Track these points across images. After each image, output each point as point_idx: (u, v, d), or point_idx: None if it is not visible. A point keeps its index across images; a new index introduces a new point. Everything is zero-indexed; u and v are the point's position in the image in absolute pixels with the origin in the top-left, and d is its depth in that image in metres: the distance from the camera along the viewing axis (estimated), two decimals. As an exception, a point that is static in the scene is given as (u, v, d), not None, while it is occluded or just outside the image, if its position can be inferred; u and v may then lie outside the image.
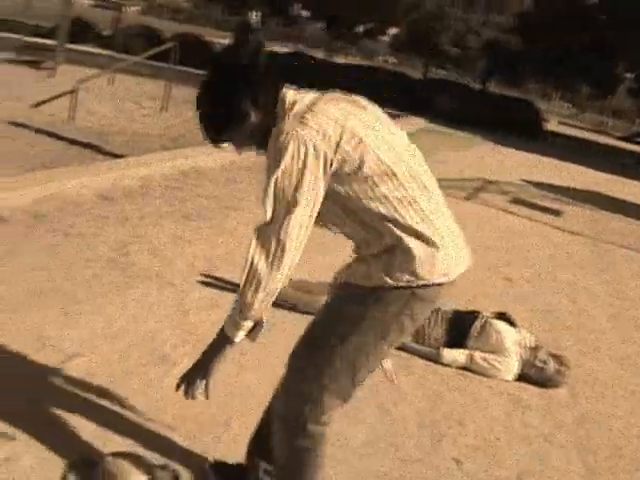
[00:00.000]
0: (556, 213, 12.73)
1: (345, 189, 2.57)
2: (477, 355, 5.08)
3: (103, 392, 3.96)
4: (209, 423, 3.85)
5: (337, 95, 2.70)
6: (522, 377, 5.12)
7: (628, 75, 36.49)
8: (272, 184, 2.50)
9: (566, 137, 34.67)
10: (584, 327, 6.65)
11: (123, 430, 3.63)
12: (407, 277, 2.60)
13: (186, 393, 2.76)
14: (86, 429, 3.58)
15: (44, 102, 12.40)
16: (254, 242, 2.55)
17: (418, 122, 23.01)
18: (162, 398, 3.92)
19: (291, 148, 2.47)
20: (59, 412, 3.69)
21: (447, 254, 2.67)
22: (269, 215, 2.51)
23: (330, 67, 31.59)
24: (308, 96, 2.66)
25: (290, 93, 2.66)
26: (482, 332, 5.16)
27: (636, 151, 36.94)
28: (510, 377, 5.08)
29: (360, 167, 2.54)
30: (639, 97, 40.23)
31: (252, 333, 2.67)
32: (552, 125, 36.27)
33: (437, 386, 4.87)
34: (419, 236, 2.60)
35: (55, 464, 3.26)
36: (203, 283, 5.74)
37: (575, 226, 11.82)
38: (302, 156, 2.47)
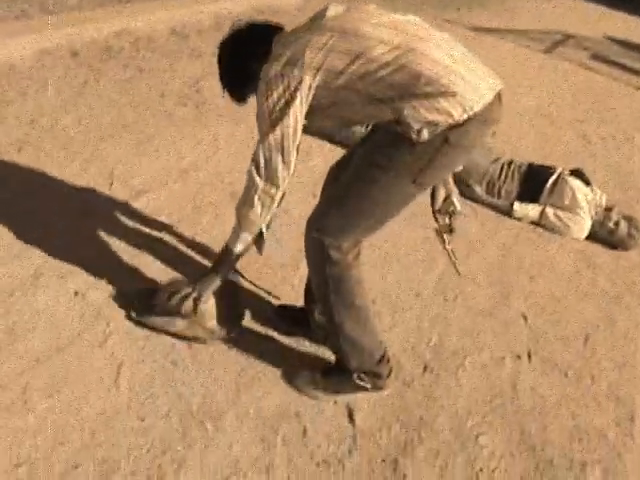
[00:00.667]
0: (638, 72, 12.28)
1: (334, 91, 2.68)
2: (549, 211, 4.99)
3: (171, 229, 3.99)
4: (278, 265, 3.87)
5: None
6: (593, 236, 5.03)
7: None
8: (258, 111, 2.72)
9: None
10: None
11: (188, 268, 3.67)
12: (428, 129, 2.61)
13: (195, 308, 3.09)
14: (153, 265, 3.62)
15: None
16: (250, 161, 2.79)
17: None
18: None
19: (265, 81, 2.69)
20: (127, 248, 3.73)
21: (464, 89, 2.61)
22: (259, 136, 2.74)
23: None
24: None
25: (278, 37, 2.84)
26: (555, 188, 5.05)
27: None
28: (581, 236, 4.99)
29: (344, 64, 2.63)
30: None
31: (258, 246, 2.96)
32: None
33: (508, 239, 4.82)
34: (427, 83, 2.59)
35: (123, 298, 3.32)
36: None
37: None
38: (273, 85, 2.67)
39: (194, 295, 3.06)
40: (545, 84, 9.39)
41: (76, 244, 3.67)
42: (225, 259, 2.99)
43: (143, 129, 5.05)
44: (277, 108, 2.67)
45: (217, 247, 3.82)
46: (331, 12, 2.78)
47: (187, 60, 6.63)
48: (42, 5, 7.15)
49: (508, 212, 5.04)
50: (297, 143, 2.74)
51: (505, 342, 3.73)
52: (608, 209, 5.11)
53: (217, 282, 3.04)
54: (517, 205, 5.02)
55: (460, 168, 2.87)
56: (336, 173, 3.05)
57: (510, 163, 5.22)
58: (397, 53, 2.60)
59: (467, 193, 5.12)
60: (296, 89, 2.65)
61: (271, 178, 2.76)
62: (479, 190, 5.10)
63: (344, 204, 2.76)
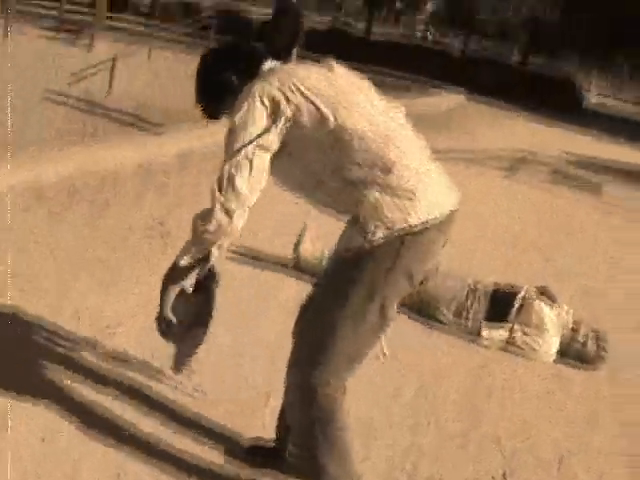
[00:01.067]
0: (597, 189, 12.56)
1: (307, 140, 2.69)
2: (517, 332, 5.02)
3: (142, 363, 3.96)
4: (250, 400, 3.84)
5: (310, 63, 2.88)
6: (562, 354, 5.06)
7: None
8: (227, 131, 2.70)
9: (606, 111, 34.26)
10: (627, 306, 6.54)
11: (160, 407, 3.63)
12: (383, 230, 2.63)
13: (160, 331, 2.97)
14: (128, 409, 3.58)
15: (82, 75, 12.40)
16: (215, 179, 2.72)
17: (458, 96, 22.84)
18: (201, 371, 3.91)
19: (244, 99, 2.68)
20: (95, 386, 3.69)
21: (427, 196, 2.69)
22: (227, 151, 2.69)
23: (369, 45, 31.46)
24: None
25: (269, 63, 2.85)
26: (523, 308, 5.09)
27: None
28: (550, 358, 5.01)
29: (318, 119, 2.67)
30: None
31: (200, 269, 2.85)
32: (592, 99, 35.84)
33: (477, 363, 4.82)
34: (387, 185, 2.64)
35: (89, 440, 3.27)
36: (244, 254, 5.72)
37: (616, 202, 11.67)
38: (252, 104, 2.66)
39: (156, 316, 2.93)
40: (507, 204, 9.59)
41: (42, 384, 3.63)
42: (171, 273, 2.85)
43: (111, 264, 5.08)
44: (254, 126, 2.65)
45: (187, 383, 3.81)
46: (339, 69, 2.85)
47: (152, 195, 6.71)
48: (2, 143, 7.25)
49: (477, 335, 5.06)
50: (265, 168, 2.70)
51: (480, 466, 3.69)
52: (576, 325, 5.15)
53: (169, 295, 2.86)
54: (485, 329, 5.04)
55: (419, 279, 2.84)
56: (305, 307, 2.98)
57: (476, 285, 5.27)
58: (377, 135, 2.66)
59: (435, 316, 5.15)
60: (278, 114, 2.65)
61: (233, 194, 2.66)
62: (447, 314, 5.13)
63: (321, 340, 2.71)
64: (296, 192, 2.89)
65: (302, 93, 2.67)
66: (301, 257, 5.58)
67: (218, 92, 2.87)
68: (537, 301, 5.12)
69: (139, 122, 9.76)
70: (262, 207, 2.91)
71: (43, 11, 24.62)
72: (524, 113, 23.50)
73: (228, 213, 2.66)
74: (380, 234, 2.62)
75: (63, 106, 10.07)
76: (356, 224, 2.67)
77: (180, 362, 3.13)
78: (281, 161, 2.74)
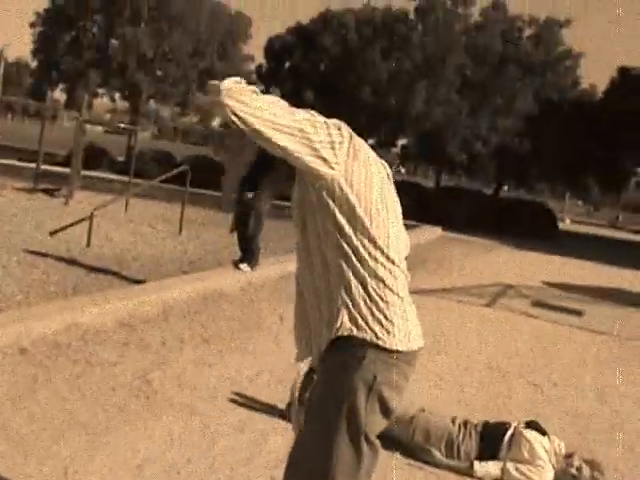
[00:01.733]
0: (578, 313, 12.63)
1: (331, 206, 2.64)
2: (510, 466, 4.97)
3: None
4: None
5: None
6: (558, 486, 5.01)
7: (638, 169, 36.78)
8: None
9: (582, 235, 34.78)
10: (617, 429, 6.51)
11: None
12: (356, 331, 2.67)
13: None
14: None
15: (61, 230, 12.52)
16: None
17: (435, 231, 23.20)
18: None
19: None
20: None
21: (402, 326, 2.72)
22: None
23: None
24: None
25: None
26: (514, 443, 5.06)
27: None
28: (547, 488, 4.97)
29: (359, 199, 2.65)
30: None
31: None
32: (566, 224, 36.44)
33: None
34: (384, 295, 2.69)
35: None
36: (229, 407, 5.68)
37: (598, 325, 11.70)
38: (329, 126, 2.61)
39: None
40: (490, 337, 9.60)
41: None
42: None
43: (96, 425, 5.02)
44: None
45: None
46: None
47: (136, 351, 6.69)
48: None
49: (469, 472, 5.00)
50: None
51: None
52: (568, 456, 5.11)
53: None
54: (477, 465, 5.00)
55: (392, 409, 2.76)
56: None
57: (466, 423, 5.25)
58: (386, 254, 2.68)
59: (426, 458, 5.09)
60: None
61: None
62: (438, 454, 5.08)
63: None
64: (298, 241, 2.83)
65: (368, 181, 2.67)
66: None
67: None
68: (527, 435, 5.09)
69: (119, 277, 9.81)
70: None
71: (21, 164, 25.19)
72: (502, 241, 23.85)
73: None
74: (353, 332, 2.66)
75: (43, 260, 10.12)
76: (330, 324, 2.69)
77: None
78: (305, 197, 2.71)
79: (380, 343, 2.66)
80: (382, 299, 2.68)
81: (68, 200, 18.05)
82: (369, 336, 2.66)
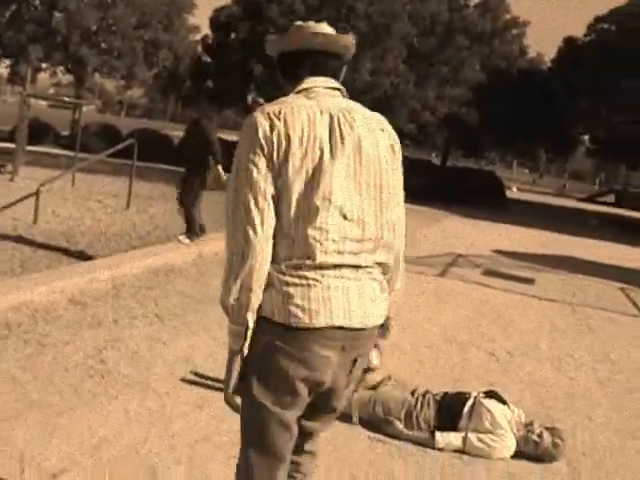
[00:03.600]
0: (530, 281, 12.72)
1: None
2: (472, 436, 4.95)
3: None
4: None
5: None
6: (518, 454, 5.01)
7: (585, 137, 37.11)
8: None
9: (529, 203, 35.08)
10: (574, 396, 6.55)
11: None
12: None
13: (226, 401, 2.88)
14: None
15: (7, 206, 12.26)
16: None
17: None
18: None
19: (243, 129, 2.73)
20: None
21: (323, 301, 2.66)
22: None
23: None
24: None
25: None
26: (474, 412, 5.05)
27: (598, 211, 37.44)
28: (507, 454, 4.96)
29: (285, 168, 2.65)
30: (596, 157, 40.96)
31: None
32: (514, 192, 36.73)
33: (433, 471, 4.73)
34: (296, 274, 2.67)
35: None
36: (186, 385, 5.58)
37: (550, 292, 11.81)
38: (245, 136, 2.70)
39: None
40: (445, 307, 9.61)
41: None
42: (229, 356, 2.80)
43: (50, 406, 4.90)
44: (243, 160, 2.68)
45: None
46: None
47: (88, 329, 6.56)
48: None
49: (429, 443, 4.97)
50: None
51: None
52: (529, 424, 5.12)
53: (233, 348, 2.77)
54: (439, 435, 4.97)
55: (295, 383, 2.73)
56: None
57: (425, 394, 5.23)
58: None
59: (387, 429, 5.06)
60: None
61: (238, 234, 2.67)
62: (398, 424, 5.05)
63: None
64: None
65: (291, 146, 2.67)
66: None
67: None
68: (487, 404, 5.08)
69: (68, 253, 9.62)
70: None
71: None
72: (451, 211, 23.95)
73: (241, 236, 2.68)
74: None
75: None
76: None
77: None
78: None
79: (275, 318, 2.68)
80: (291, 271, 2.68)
81: (13, 176, 17.68)
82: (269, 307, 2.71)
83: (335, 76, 2.94)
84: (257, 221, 2.60)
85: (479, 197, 28.45)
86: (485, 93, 31.68)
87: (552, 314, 10.18)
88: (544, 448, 4.98)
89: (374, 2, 33.75)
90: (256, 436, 2.81)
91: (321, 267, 2.65)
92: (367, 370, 3.02)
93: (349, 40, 2.94)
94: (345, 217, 2.69)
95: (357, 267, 2.73)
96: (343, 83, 2.97)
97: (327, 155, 2.68)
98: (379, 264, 2.82)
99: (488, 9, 35.92)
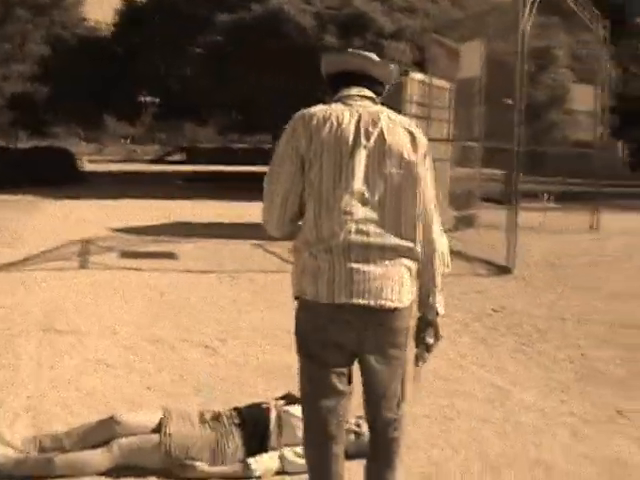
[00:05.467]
0: (172, 256, 12.09)
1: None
2: (288, 453, 4.28)
3: None
4: None
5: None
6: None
7: (149, 99, 36.91)
8: None
9: (107, 174, 34.35)
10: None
11: None
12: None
13: None
14: None
15: None
16: None
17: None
18: None
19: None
20: None
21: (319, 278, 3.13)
22: None
23: None
24: None
25: None
26: (283, 425, 4.38)
27: (181, 171, 37.90)
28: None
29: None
30: (160, 119, 41.06)
31: None
32: (85, 165, 35.60)
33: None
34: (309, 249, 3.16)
35: None
36: None
37: (200, 263, 11.36)
38: (285, 131, 3.24)
39: None
40: (117, 303, 8.65)
41: None
42: None
43: None
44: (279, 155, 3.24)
45: None
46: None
47: None
48: None
49: (246, 475, 4.22)
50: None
51: None
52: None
53: None
54: (252, 461, 4.23)
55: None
56: None
57: (218, 416, 4.44)
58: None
59: (191, 474, 4.20)
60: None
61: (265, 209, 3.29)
62: (205, 466, 4.22)
63: None
64: None
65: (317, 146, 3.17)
66: None
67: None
68: (293, 411, 4.44)
69: None
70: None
71: None
72: (35, 194, 22.35)
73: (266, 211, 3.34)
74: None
75: None
76: None
77: None
78: None
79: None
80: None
81: None
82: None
83: (371, 89, 3.33)
84: (279, 203, 3.20)
85: (53, 175, 26.79)
86: (50, 66, 29.91)
87: (218, 286, 9.73)
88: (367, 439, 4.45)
89: None
90: None
91: (348, 246, 3.07)
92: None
93: (386, 69, 3.41)
94: (367, 202, 3.11)
95: (382, 247, 3.12)
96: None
97: (352, 149, 3.12)
98: (406, 248, 3.16)
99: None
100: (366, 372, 3.28)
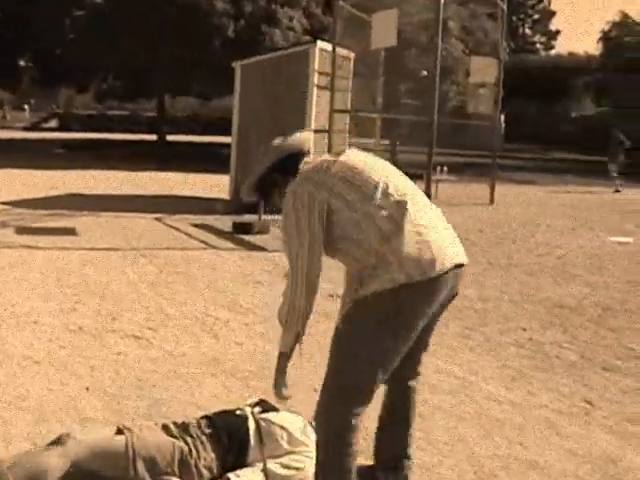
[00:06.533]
0: (72, 232, 11.37)
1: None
2: (272, 466, 3.83)
3: None
4: None
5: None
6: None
7: (28, 65, 35.52)
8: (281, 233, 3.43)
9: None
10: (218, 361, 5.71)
11: None
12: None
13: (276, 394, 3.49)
14: None
15: None
16: None
17: None
18: None
19: (287, 205, 3.30)
20: None
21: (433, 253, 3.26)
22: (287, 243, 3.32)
23: None
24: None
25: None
26: (265, 436, 3.92)
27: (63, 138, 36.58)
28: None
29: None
30: (40, 85, 39.49)
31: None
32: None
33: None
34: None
35: None
36: None
37: (105, 239, 10.73)
38: (294, 207, 3.25)
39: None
40: (23, 286, 7.95)
41: None
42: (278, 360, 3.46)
43: None
44: (297, 230, 3.22)
45: None
46: (359, 156, 3.44)
47: None
48: None
49: (226, 489, 3.77)
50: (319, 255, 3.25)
51: None
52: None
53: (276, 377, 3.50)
54: (233, 477, 3.78)
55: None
56: None
57: (186, 427, 3.92)
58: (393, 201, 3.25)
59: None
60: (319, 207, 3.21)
61: (295, 291, 3.27)
62: (175, 480, 3.73)
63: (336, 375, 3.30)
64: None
65: (341, 180, 3.29)
66: None
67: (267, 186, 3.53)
68: (275, 419, 4.01)
69: None
70: None
71: None
72: None
73: (295, 293, 3.28)
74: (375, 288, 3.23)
75: None
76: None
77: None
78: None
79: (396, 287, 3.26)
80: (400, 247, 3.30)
81: None
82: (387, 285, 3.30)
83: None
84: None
85: None
86: None
87: (131, 265, 9.15)
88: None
89: None
90: None
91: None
92: None
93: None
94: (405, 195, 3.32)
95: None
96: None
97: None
98: None
99: None
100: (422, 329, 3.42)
